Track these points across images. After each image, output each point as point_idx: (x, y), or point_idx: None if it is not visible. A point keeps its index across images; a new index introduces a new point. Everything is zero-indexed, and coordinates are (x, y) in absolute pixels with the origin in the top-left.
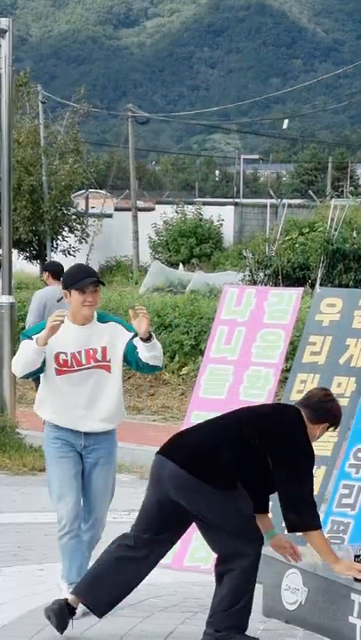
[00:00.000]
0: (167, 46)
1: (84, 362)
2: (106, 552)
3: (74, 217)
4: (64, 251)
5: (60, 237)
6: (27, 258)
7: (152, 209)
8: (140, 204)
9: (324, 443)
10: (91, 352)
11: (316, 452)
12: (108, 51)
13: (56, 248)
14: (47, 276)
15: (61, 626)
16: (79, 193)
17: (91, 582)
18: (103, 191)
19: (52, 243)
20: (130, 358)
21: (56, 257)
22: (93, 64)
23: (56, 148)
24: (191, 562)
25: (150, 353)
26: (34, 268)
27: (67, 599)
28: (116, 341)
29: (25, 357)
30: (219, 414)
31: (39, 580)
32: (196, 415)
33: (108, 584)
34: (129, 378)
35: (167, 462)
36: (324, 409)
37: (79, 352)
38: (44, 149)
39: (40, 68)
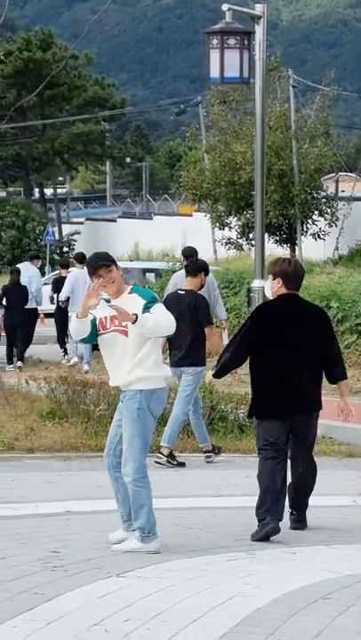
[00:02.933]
0: None
1: (108, 325)
2: None
3: (324, 200)
4: (314, 234)
5: (309, 221)
6: (277, 242)
7: None
8: None
9: None
10: (115, 318)
11: None
12: (359, 33)
13: (306, 232)
14: (183, 260)
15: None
16: (329, 176)
17: None
18: (353, 174)
19: (301, 226)
20: None
21: (306, 240)
22: (343, 47)
23: (306, 131)
24: None
25: (142, 330)
26: (284, 252)
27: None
28: (133, 310)
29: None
30: None
31: (292, 564)
32: None
33: None
34: None
35: None
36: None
37: (105, 317)
38: (294, 133)
39: (290, 52)
